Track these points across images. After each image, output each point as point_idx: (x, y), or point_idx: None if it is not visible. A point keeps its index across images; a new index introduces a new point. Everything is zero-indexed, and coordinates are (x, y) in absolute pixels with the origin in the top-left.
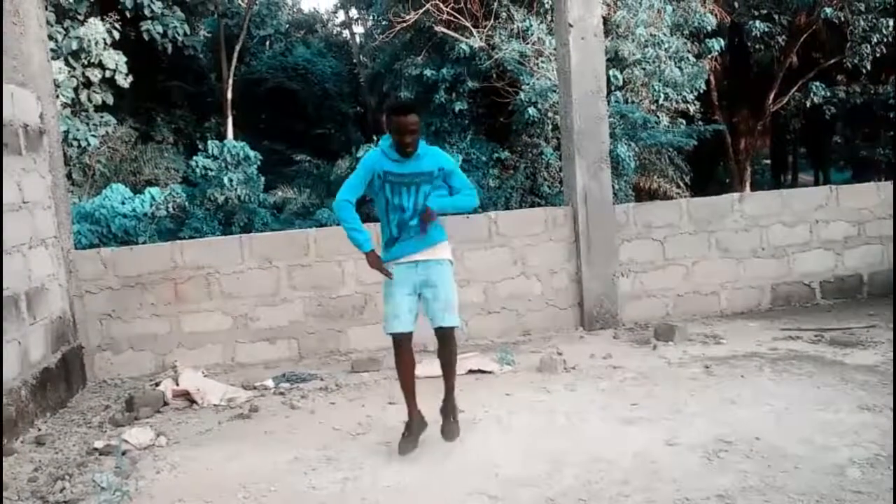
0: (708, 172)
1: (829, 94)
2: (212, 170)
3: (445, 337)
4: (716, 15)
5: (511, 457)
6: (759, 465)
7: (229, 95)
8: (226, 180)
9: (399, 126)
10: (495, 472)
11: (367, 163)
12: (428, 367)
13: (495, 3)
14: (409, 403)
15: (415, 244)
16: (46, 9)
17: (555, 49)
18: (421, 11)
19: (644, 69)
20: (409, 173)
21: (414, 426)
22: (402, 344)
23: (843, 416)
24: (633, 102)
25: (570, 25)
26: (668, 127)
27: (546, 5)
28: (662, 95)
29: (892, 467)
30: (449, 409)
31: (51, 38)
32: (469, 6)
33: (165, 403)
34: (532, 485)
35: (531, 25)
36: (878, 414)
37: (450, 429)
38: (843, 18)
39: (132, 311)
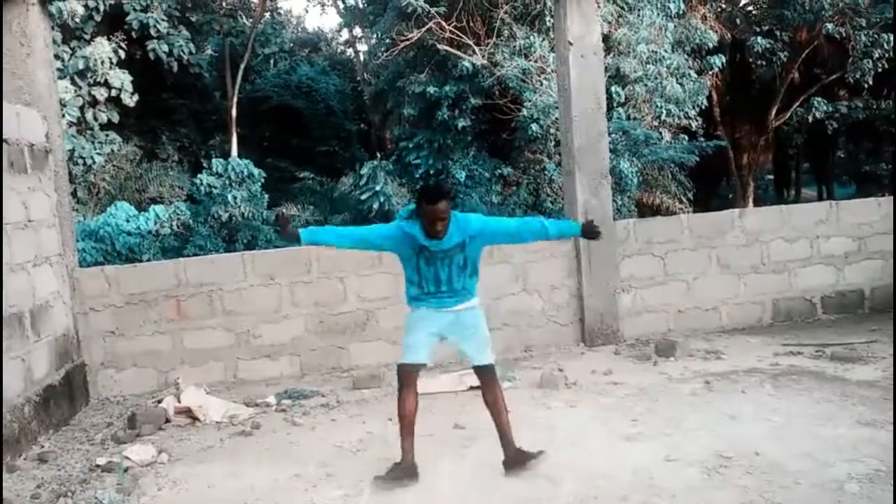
0: (711, 188)
1: (831, 109)
2: (216, 187)
3: (485, 377)
4: (717, 31)
5: (511, 473)
6: (759, 480)
7: (234, 113)
8: (230, 198)
9: (428, 214)
10: (496, 487)
11: (394, 230)
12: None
13: (497, 22)
14: (403, 445)
15: (449, 301)
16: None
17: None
18: (424, 30)
19: (646, 85)
20: (442, 250)
21: (402, 469)
22: (409, 378)
23: (842, 432)
24: (635, 118)
25: (570, 43)
26: (671, 143)
27: (548, 23)
28: (664, 111)
29: (891, 483)
30: (516, 458)
31: (57, 57)
32: (471, 24)
33: (167, 420)
34: (532, 500)
35: (533, 43)
36: (879, 429)
37: (523, 458)
38: (844, 34)
39: (135, 329)
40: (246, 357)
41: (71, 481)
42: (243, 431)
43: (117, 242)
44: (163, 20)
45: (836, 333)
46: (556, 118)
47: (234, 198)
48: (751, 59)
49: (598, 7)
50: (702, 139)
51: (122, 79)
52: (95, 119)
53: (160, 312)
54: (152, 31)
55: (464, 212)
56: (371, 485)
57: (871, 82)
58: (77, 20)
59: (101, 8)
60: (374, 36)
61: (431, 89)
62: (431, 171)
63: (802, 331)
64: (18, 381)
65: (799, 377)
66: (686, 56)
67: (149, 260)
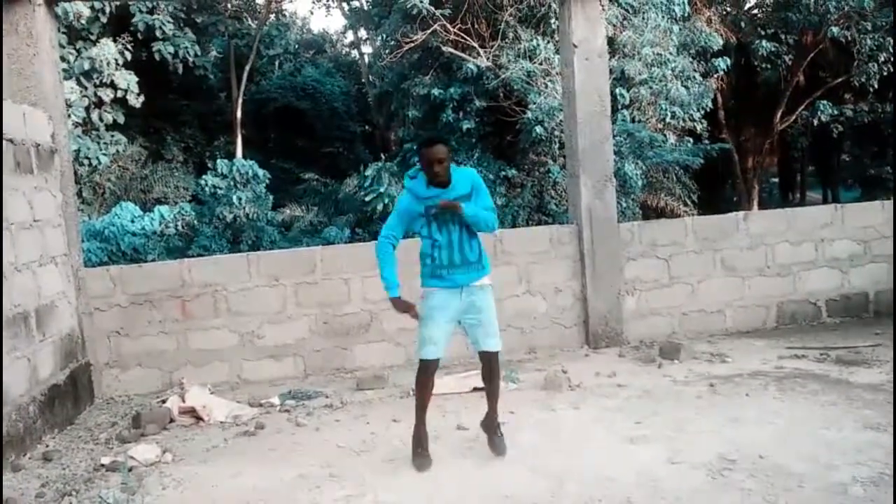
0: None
1: (836, 112)
2: (221, 188)
3: (490, 360)
4: (722, 35)
5: (515, 474)
6: (763, 483)
7: (239, 115)
8: (234, 199)
9: (428, 157)
10: (499, 489)
11: (402, 204)
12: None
13: (502, 24)
14: (420, 420)
15: (463, 275)
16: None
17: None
18: (428, 32)
19: (651, 88)
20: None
21: (423, 440)
22: (429, 368)
23: (847, 435)
24: (639, 121)
25: (575, 46)
26: (675, 145)
27: (553, 25)
28: (669, 114)
29: (894, 486)
30: (493, 426)
31: (63, 58)
32: (476, 27)
33: (172, 420)
34: (536, 502)
35: (538, 45)
36: (883, 433)
37: (498, 442)
38: (849, 37)
39: (140, 329)
40: (250, 357)
41: (75, 480)
42: (247, 432)
43: (122, 243)
44: (168, 22)
45: (840, 337)
46: (561, 120)
47: (239, 199)
48: (756, 63)
49: (603, 10)
50: (706, 142)
51: (127, 80)
52: (101, 120)
53: (165, 312)
54: (158, 33)
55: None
56: (375, 484)
57: (876, 86)
58: (83, 21)
59: (107, 9)
60: (379, 38)
61: (436, 91)
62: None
63: (807, 334)
64: (23, 381)
65: (803, 380)
66: (691, 59)
67: (153, 260)
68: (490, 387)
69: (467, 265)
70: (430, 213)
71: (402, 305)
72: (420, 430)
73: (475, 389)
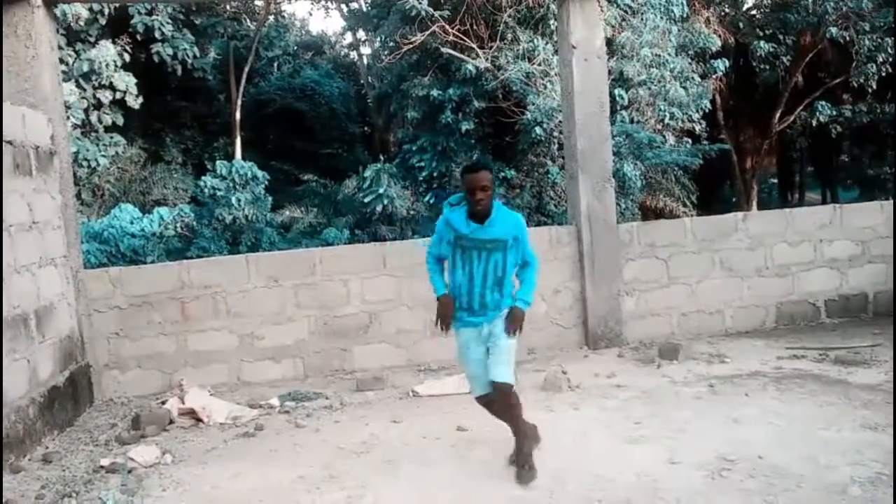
0: (714, 191)
1: (834, 113)
2: (220, 190)
3: (496, 392)
4: (720, 35)
5: (513, 474)
6: (762, 483)
7: (238, 116)
8: (234, 200)
9: (471, 184)
10: (499, 490)
11: (440, 225)
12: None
13: (501, 25)
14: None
15: (482, 318)
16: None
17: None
18: (427, 33)
19: (649, 89)
20: (482, 239)
21: (532, 437)
22: (487, 405)
23: (845, 435)
24: (638, 122)
25: (574, 47)
26: (674, 146)
27: (552, 27)
28: (668, 115)
29: (893, 486)
30: (520, 460)
31: (62, 60)
32: (475, 28)
33: (171, 422)
34: (535, 503)
35: (537, 46)
36: (881, 433)
37: (523, 474)
38: (848, 38)
39: (140, 330)
40: (250, 359)
41: (75, 482)
42: (247, 433)
43: (121, 244)
44: (167, 23)
45: (839, 337)
46: (560, 121)
47: (238, 200)
48: (754, 63)
49: (602, 11)
50: (705, 143)
51: (126, 81)
52: (100, 121)
53: (164, 314)
54: (157, 35)
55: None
56: (375, 485)
57: (874, 86)
58: (82, 23)
59: (106, 11)
60: (378, 39)
61: (435, 92)
62: (435, 174)
63: (806, 334)
64: (23, 382)
65: (802, 381)
66: (689, 60)
67: (153, 262)
68: (504, 420)
69: (485, 310)
70: (458, 244)
71: (442, 306)
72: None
73: None
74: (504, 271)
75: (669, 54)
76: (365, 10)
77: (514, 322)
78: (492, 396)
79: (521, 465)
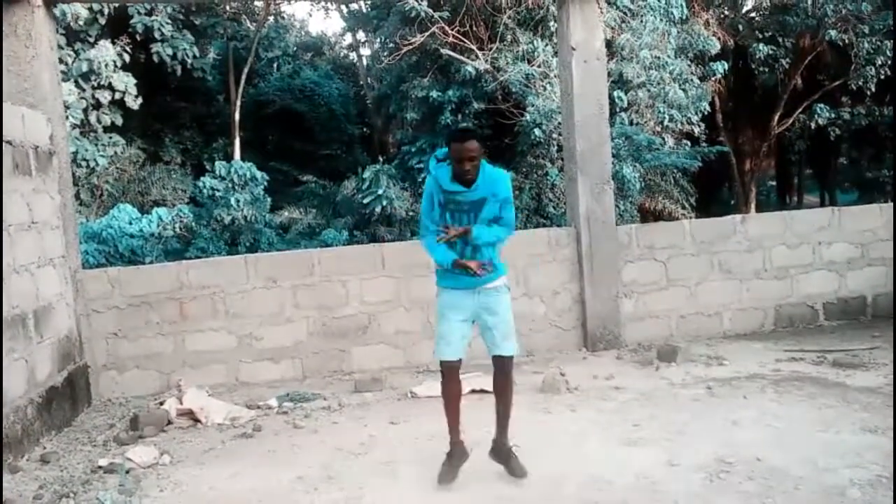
0: (713, 194)
1: (833, 115)
2: (219, 190)
3: (503, 365)
4: (719, 38)
5: (513, 476)
6: (761, 486)
7: (237, 117)
8: (232, 201)
9: (458, 152)
10: (496, 491)
11: (426, 191)
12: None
13: (500, 27)
14: (451, 432)
15: (473, 279)
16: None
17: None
18: (427, 34)
19: (648, 91)
20: (470, 200)
21: (455, 456)
22: (450, 371)
23: (844, 438)
24: (637, 124)
25: (573, 49)
26: (673, 148)
27: (551, 28)
28: (667, 117)
29: (892, 489)
30: (505, 451)
31: (61, 60)
32: (474, 29)
33: (169, 422)
34: None
35: (536, 48)
36: (881, 435)
37: (517, 466)
38: (847, 41)
39: (138, 331)
40: (248, 360)
41: (73, 482)
42: (245, 434)
43: (120, 245)
44: (167, 23)
45: (838, 340)
46: (559, 123)
47: (237, 201)
48: (753, 66)
49: (601, 12)
50: (704, 145)
51: (125, 82)
52: (99, 121)
53: (163, 315)
54: (156, 35)
55: None
56: (373, 486)
57: (873, 89)
58: (81, 23)
59: (106, 11)
60: (378, 40)
61: (434, 93)
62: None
63: (804, 337)
64: (21, 382)
65: (801, 383)
66: (689, 62)
67: (151, 262)
68: (502, 401)
69: (479, 268)
70: (447, 207)
71: (460, 263)
72: (454, 442)
73: (473, 391)
74: (490, 223)
75: (669, 56)
76: (365, 11)
77: (457, 231)
78: (495, 367)
79: (511, 455)
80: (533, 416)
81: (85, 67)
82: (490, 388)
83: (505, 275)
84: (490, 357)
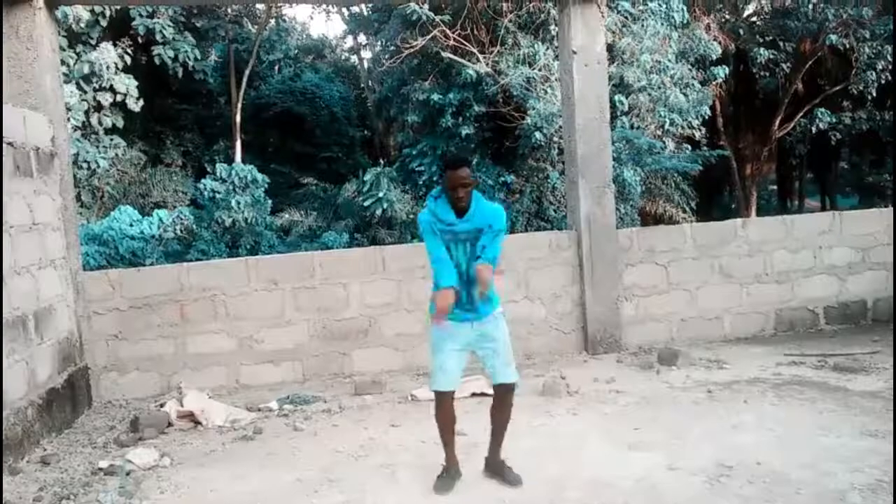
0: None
1: (834, 120)
2: (219, 192)
3: (506, 393)
4: (721, 42)
5: (505, 478)
6: (761, 489)
7: (238, 119)
8: (233, 203)
9: (451, 180)
10: (497, 495)
11: (427, 218)
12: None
13: (502, 30)
14: (448, 452)
15: (470, 314)
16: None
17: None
18: (428, 37)
19: (649, 95)
20: (466, 230)
21: (450, 473)
22: (446, 401)
23: (845, 442)
24: (638, 128)
25: (574, 52)
26: (674, 152)
27: (552, 32)
28: (668, 121)
29: (893, 493)
30: (499, 463)
31: (63, 62)
32: (476, 33)
33: (170, 424)
34: None
35: (537, 51)
36: (881, 440)
37: (511, 476)
38: (848, 45)
39: (138, 333)
40: (248, 362)
41: (73, 484)
42: (245, 436)
43: (121, 246)
44: (168, 26)
45: (838, 344)
46: (560, 126)
47: (238, 203)
48: (754, 70)
49: (603, 16)
50: (705, 149)
51: (127, 84)
52: (100, 123)
53: (163, 317)
54: (158, 37)
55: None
56: (373, 489)
57: (874, 93)
58: (83, 25)
59: (107, 13)
60: (379, 43)
61: (435, 97)
62: (434, 179)
63: (805, 341)
64: (22, 384)
65: (801, 387)
66: (690, 66)
67: (152, 264)
68: (499, 419)
69: (473, 304)
70: (445, 237)
71: (445, 297)
72: (449, 461)
73: (473, 395)
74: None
75: (670, 60)
76: (366, 14)
77: (484, 274)
78: (497, 395)
79: (505, 467)
80: (533, 419)
81: (86, 69)
82: (490, 390)
83: (499, 306)
84: (493, 385)
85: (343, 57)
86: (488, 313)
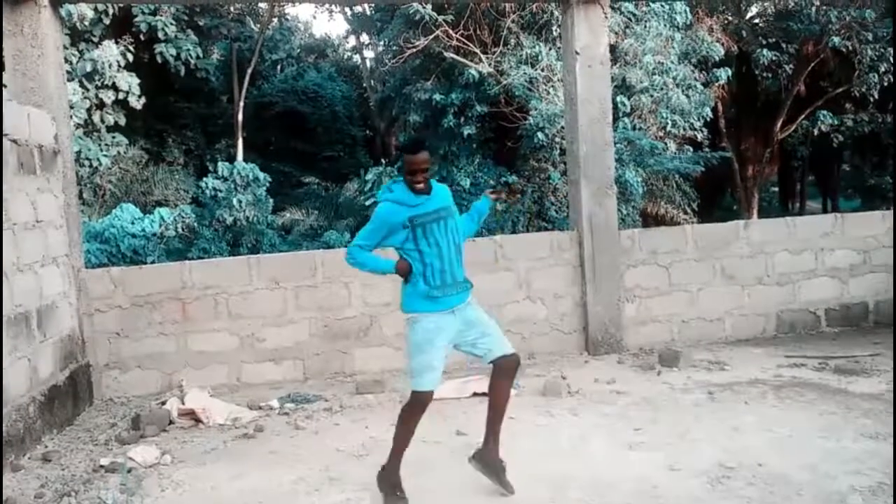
0: (715, 199)
1: (836, 122)
2: (221, 191)
3: (513, 363)
4: (723, 44)
5: (514, 480)
6: (762, 491)
7: (240, 118)
8: (235, 201)
9: (410, 164)
10: (497, 495)
11: (381, 215)
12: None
13: (504, 31)
14: (398, 465)
15: (456, 296)
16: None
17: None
18: (431, 37)
19: (652, 96)
20: (435, 209)
21: (399, 483)
22: (425, 402)
23: (846, 444)
24: (640, 129)
25: (577, 53)
26: (676, 153)
27: (555, 32)
28: (670, 122)
29: (893, 496)
30: (499, 462)
31: (66, 60)
32: (478, 33)
33: (171, 422)
34: None
35: (540, 52)
36: (882, 442)
37: (507, 481)
38: (850, 47)
39: (140, 330)
40: (250, 360)
41: (74, 481)
42: (246, 434)
43: (122, 244)
44: (171, 24)
45: (839, 346)
46: (562, 127)
47: (240, 201)
48: (757, 72)
49: (606, 17)
50: (707, 150)
51: (129, 82)
52: (102, 121)
53: (165, 314)
54: (160, 35)
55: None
56: (374, 487)
57: (877, 96)
58: (86, 23)
59: (110, 11)
60: (381, 43)
61: (437, 96)
62: (436, 178)
63: (806, 343)
64: (24, 381)
65: (802, 389)
66: (692, 67)
67: (153, 262)
68: (501, 405)
69: (457, 284)
70: (416, 223)
71: (402, 267)
72: (396, 473)
73: (475, 395)
74: (461, 236)
75: (672, 62)
76: (369, 13)
77: (497, 191)
78: (503, 370)
79: (504, 469)
80: (534, 419)
81: (89, 67)
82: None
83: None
84: (493, 364)
85: (345, 56)
86: (468, 295)
